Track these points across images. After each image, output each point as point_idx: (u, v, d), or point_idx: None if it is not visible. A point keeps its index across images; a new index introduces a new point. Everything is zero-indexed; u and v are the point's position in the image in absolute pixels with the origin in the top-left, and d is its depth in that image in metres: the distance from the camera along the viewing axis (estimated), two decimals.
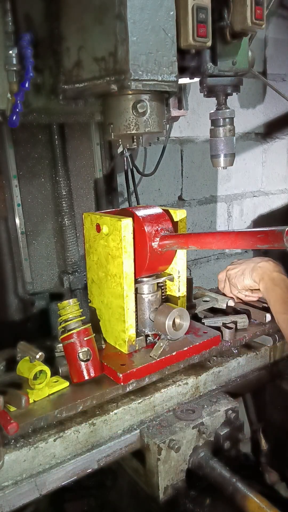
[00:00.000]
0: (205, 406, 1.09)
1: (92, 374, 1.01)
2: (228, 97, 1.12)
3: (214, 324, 1.31)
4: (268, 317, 1.41)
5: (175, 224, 1.14)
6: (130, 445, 1.01)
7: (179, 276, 1.17)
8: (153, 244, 1.06)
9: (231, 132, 1.13)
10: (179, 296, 1.19)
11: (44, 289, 1.34)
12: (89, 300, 1.23)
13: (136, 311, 1.12)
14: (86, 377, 1.01)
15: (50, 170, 1.31)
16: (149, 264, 1.07)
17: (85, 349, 1.01)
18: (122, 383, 1.02)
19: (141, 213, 1.09)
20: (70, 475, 0.93)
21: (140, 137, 1.00)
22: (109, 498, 1.16)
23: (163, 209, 1.13)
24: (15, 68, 0.92)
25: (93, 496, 1.15)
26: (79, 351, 1.01)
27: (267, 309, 1.44)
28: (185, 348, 1.12)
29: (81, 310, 1.06)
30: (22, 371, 0.99)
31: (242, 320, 1.36)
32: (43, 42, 0.98)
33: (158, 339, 1.13)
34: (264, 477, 1.35)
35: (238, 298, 1.33)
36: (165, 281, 1.20)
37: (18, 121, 0.94)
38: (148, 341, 1.13)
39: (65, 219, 1.32)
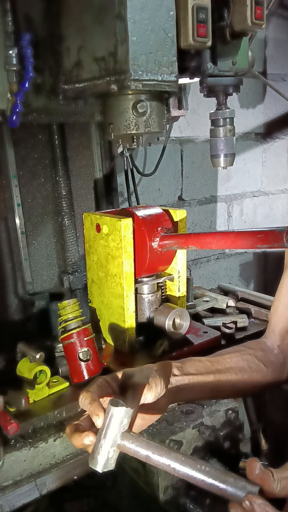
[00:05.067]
0: (205, 406, 1.09)
1: (92, 374, 1.01)
2: (228, 97, 1.12)
3: (214, 324, 1.31)
4: None
5: (175, 224, 1.14)
6: None
7: (179, 276, 1.17)
8: (153, 244, 1.06)
9: (231, 132, 1.13)
10: (179, 296, 1.19)
11: (44, 289, 1.34)
12: (89, 300, 1.23)
13: (136, 311, 1.12)
14: (86, 377, 1.01)
15: (50, 170, 1.31)
16: (149, 264, 1.07)
17: (85, 349, 1.01)
18: None
19: (141, 213, 1.09)
20: (70, 475, 0.93)
21: (140, 137, 1.00)
22: (109, 498, 1.16)
23: (163, 209, 1.13)
24: (15, 68, 0.92)
25: (93, 496, 1.15)
26: (79, 351, 1.01)
27: (270, 308, 1.45)
28: (185, 348, 1.12)
29: (81, 310, 1.06)
30: (22, 371, 0.99)
31: (242, 320, 1.36)
32: (43, 42, 0.98)
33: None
34: None
35: None
36: (165, 281, 1.20)
37: (18, 121, 0.94)
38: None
39: (65, 219, 1.32)
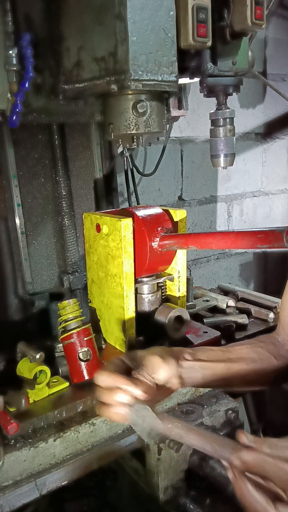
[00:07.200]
0: (205, 406, 1.09)
1: (92, 374, 1.01)
2: (228, 97, 1.12)
3: (214, 324, 1.31)
4: (271, 315, 1.41)
5: (175, 224, 1.14)
6: (130, 445, 1.01)
7: (179, 276, 1.17)
8: (153, 244, 1.06)
9: (231, 132, 1.13)
10: (179, 296, 1.19)
11: (44, 289, 1.34)
12: (89, 300, 1.23)
13: (136, 311, 1.12)
14: (86, 377, 1.01)
15: (50, 170, 1.31)
16: (149, 264, 1.07)
17: (85, 349, 1.01)
18: None
19: (141, 213, 1.09)
20: (70, 475, 0.93)
21: (140, 137, 1.00)
22: (109, 498, 1.16)
23: (163, 209, 1.13)
24: (15, 68, 0.92)
25: (93, 496, 1.15)
26: (79, 351, 1.01)
27: (270, 307, 1.45)
28: None
29: (81, 310, 1.06)
30: (22, 371, 0.99)
31: (242, 320, 1.36)
32: (43, 42, 0.98)
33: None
34: None
35: None
36: (165, 281, 1.20)
37: (18, 121, 0.94)
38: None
39: (65, 219, 1.32)
